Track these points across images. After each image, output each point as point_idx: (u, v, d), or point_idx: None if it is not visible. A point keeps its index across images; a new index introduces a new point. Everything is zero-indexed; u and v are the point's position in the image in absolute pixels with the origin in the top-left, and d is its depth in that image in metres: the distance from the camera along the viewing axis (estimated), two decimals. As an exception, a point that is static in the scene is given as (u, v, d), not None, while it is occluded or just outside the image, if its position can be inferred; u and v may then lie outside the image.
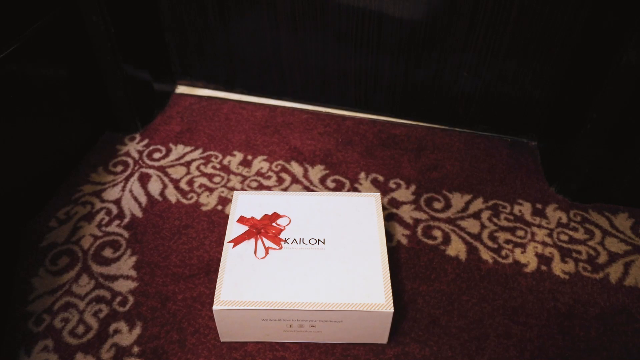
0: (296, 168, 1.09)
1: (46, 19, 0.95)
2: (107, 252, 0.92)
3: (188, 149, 1.13)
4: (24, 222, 0.96)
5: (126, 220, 0.98)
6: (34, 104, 0.96)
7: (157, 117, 1.21)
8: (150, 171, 1.08)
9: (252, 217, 0.85)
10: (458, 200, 1.03)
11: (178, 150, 1.12)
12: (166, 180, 1.06)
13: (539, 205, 1.03)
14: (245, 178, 1.06)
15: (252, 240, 0.81)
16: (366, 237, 0.82)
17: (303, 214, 0.86)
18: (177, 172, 1.07)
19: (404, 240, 0.95)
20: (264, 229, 0.83)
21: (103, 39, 1.03)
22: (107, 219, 0.98)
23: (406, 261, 0.91)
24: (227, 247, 0.81)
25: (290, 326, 0.75)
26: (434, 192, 1.05)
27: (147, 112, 1.20)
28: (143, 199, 1.02)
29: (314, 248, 0.80)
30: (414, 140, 1.16)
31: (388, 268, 0.78)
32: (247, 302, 0.72)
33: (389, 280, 0.76)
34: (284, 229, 0.83)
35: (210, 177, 1.06)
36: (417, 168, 1.10)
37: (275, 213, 0.86)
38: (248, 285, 0.75)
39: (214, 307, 0.73)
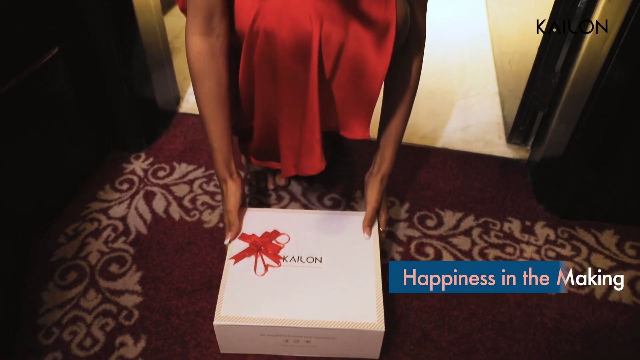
0: (295, 186, 1.13)
1: (60, 45, 1.00)
2: (114, 268, 0.96)
3: (191, 167, 1.17)
4: (34, 238, 1.01)
5: (132, 236, 1.02)
6: (45, 123, 1.01)
7: (161, 136, 1.26)
8: (155, 189, 1.12)
9: (253, 235, 0.88)
10: (450, 218, 1.07)
11: (181, 168, 1.17)
12: (170, 198, 1.10)
13: (528, 223, 1.07)
14: (245, 195, 1.11)
15: (253, 257, 0.85)
16: (361, 256, 0.85)
17: (302, 232, 0.89)
18: (181, 190, 1.12)
19: (398, 257, 0.99)
20: (264, 246, 0.86)
21: (111, 63, 1.08)
22: (113, 235, 1.02)
23: (399, 277, 0.95)
24: (229, 264, 0.84)
25: (287, 341, 0.79)
26: (427, 210, 1.09)
27: (152, 131, 1.25)
28: (148, 216, 1.06)
29: (311, 266, 0.84)
30: (409, 159, 1.21)
31: (381, 288, 0.80)
32: (246, 319, 0.76)
33: (382, 300, 0.78)
34: (283, 246, 0.86)
35: (212, 195, 1.11)
36: (411, 186, 1.14)
37: (275, 231, 0.89)
38: (247, 302, 0.78)
39: (215, 322, 0.76)
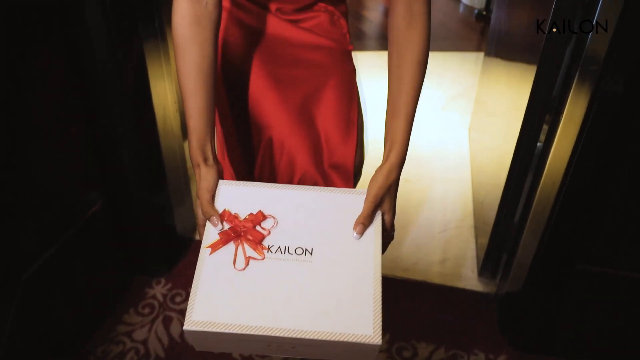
0: None
1: (103, 199, 1.24)
2: (135, 389, 1.14)
3: (204, 293, 1.37)
4: (68, 359, 1.19)
5: (151, 359, 1.20)
6: (83, 255, 1.23)
7: (180, 262, 1.47)
8: (172, 314, 1.31)
9: (236, 215, 0.75)
10: (424, 349, 1.24)
11: (196, 295, 1.37)
12: (185, 323, 1.29)
13: (491, 356, 1.24)
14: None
15: (232, 247, 0.73)
16: (360, 254, 0.73)
17: (291, 215, 0.77)
18: (194, 315, 1.31)
19: (377, 386, 1.16)
20: (246, 233, 0.73)
21: (142, 194, 1.31)
22: (135, 358, 1.20)
23: (378, 405, 1.11)
24: (204, 254, 0.72)
25: (269, 345, 0.69)
26: (404, 341, 1.26)
27: (173, 257, 1.46)
28: (165, 340, 1.24)
29: (300, 260, 0.72)
30: (392, 291, 1.40)
31: (380, 295, 0.70)
32: (222, 324, 0.66)
33: (380, 307, 0.68)
34: (269, 233, 0.74)
35: (221, 321, 1.30)
36: (393, 317, 1.32)
37: (260, 212, 0.76)
38: (224, 303, 0.68)
39: (185, 328, 0.66)
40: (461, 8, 3.66)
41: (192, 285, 0.69)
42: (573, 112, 1.03)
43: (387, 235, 0.79)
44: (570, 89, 1.02)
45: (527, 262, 1.23)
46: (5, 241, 0.98)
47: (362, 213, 0.75)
